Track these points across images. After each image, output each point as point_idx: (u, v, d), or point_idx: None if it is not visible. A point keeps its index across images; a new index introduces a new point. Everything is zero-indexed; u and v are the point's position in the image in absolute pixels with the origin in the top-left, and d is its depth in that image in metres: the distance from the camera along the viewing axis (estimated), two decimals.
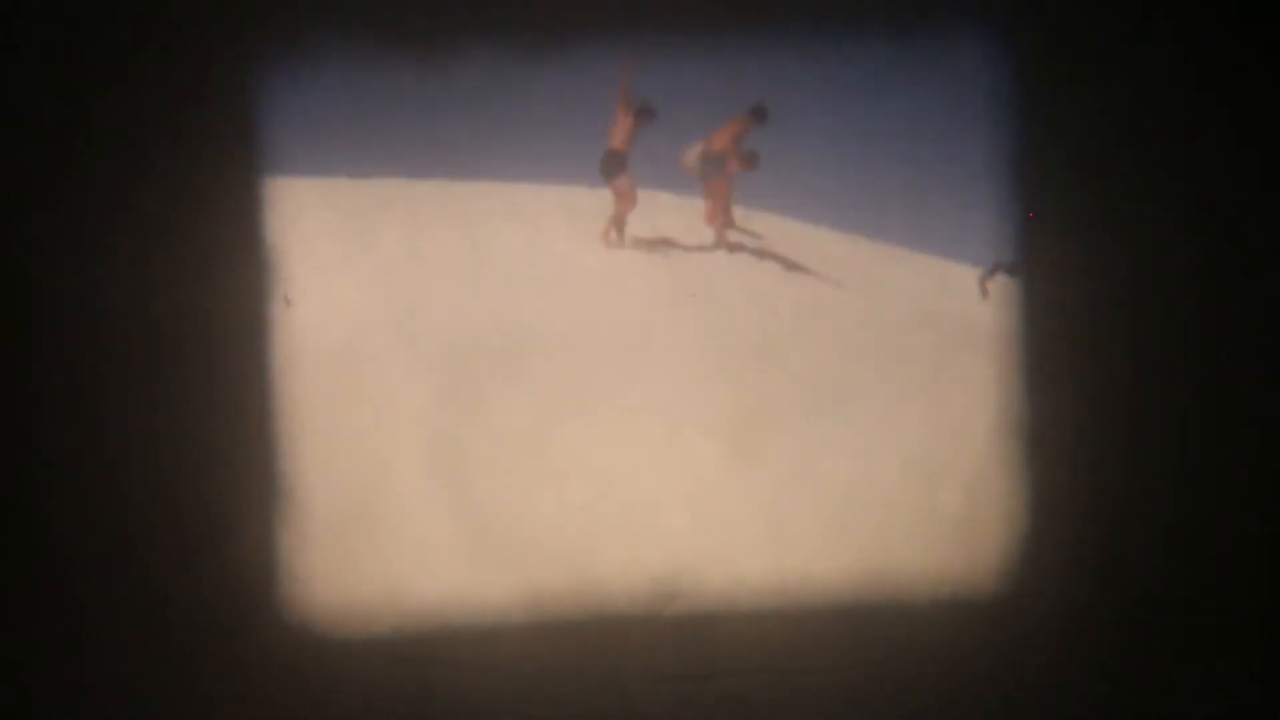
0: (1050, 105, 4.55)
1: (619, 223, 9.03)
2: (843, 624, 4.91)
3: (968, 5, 4.77)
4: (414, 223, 8.71)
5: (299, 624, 4.55)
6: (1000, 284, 5.99)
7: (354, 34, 4.60)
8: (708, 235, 9.36)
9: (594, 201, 9.18)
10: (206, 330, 4.42)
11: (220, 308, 4.45)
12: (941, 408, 8.41)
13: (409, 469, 6.55)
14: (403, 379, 7.84)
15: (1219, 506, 4.48)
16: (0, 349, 4.26)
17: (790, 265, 9.30)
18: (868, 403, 8.49)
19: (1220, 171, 4.42)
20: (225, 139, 4.43)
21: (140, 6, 4.32)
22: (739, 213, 9.71)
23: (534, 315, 8.08)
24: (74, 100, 4.28)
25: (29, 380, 4.28)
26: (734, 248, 9.32)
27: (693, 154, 9.44)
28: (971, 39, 4.75)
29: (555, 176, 9.58)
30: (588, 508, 6.29)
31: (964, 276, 8.75)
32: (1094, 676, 4.48)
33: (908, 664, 4.56)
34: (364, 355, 7.60)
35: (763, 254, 9.50)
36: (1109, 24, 4.46)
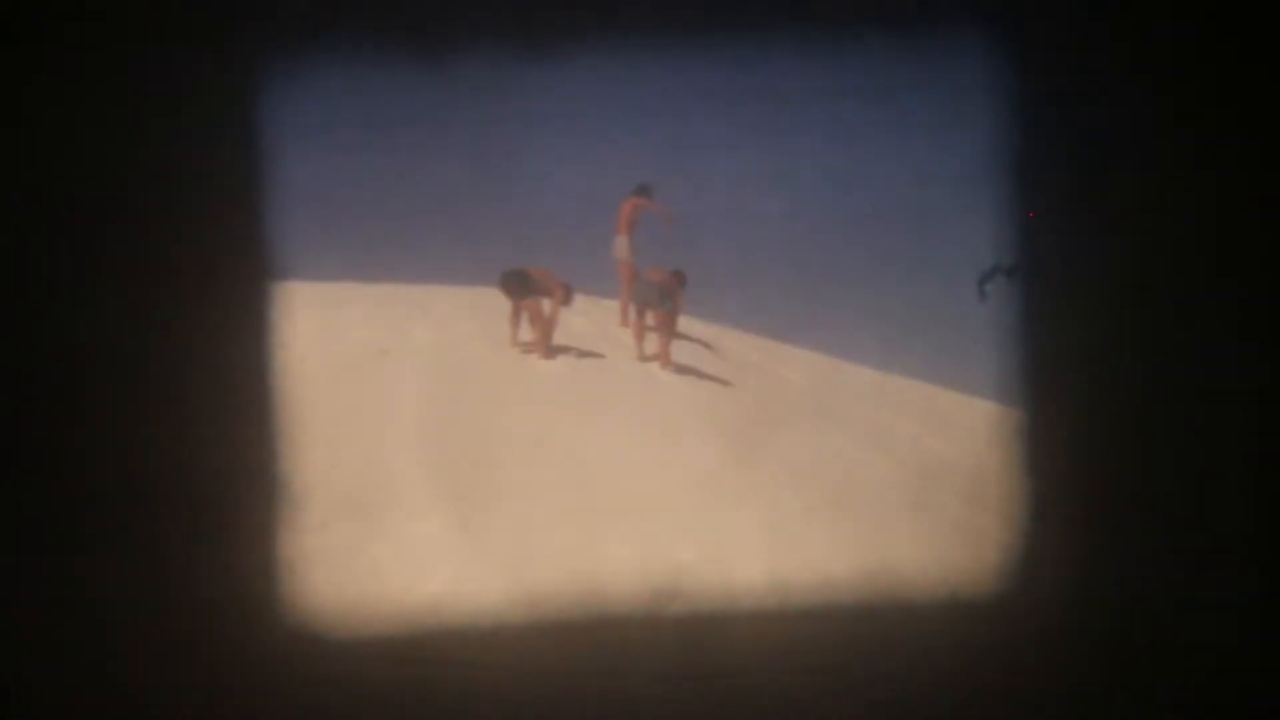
0: (1050, 105, 4.56)
1: (542, 337, 8.79)
2: (843, 624, 4.91)
3: (968, 5, 4.78)
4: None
5: (299, 624, 4.55)
6: (1000, 285, 6.00)
7: (354, 36, 4.60)
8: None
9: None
10: (207, 330, 4.42)
11: (221, 308, 4.45)
12: (941, 409, 8.43)
13: (408, 470, 6.56)
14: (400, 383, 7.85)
15: (1218, 506, 4.48)
16: None
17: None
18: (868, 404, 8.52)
19: (1220, 170, 4.42)
20: (226, 139, 4.43)
21: (141, 8, 4.32)
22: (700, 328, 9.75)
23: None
24: (74, 102, 4.28)
25: (28, 381, 4.28)
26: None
27: (621, 247, 9.44)
28: (971, 39, 4.76)
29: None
30: (587, 508, 6.29)
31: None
32: (1094, 676, 4.48)
33: (908, 664, 4.56)
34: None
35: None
36: (1109, 24, 4.46)
